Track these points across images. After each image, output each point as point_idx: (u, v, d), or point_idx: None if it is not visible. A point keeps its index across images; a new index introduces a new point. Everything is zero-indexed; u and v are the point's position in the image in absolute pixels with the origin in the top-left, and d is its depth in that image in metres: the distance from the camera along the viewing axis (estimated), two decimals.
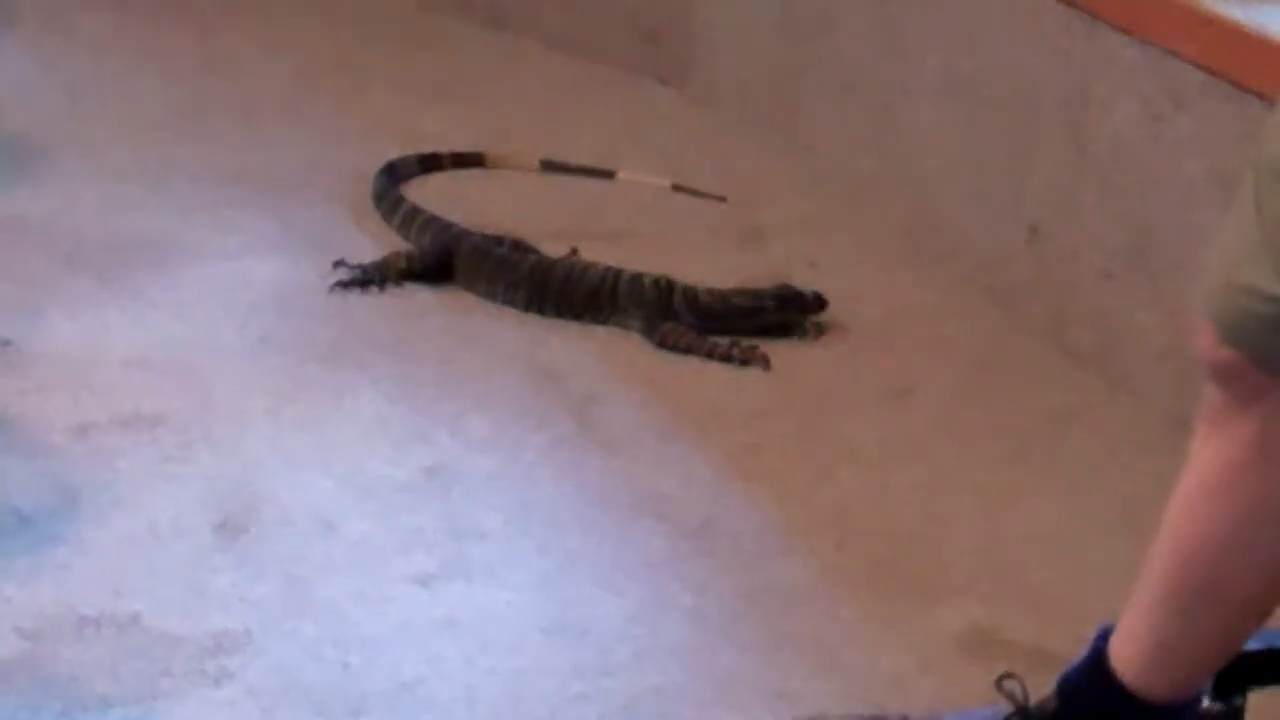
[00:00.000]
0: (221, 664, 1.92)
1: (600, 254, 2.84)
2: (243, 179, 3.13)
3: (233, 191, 3.08)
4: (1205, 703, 1.73)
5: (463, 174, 3.19)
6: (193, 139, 3.28)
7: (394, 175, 3.10)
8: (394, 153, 3.15)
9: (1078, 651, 1.70)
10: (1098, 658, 1.67)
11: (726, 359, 2.65)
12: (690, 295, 2.72)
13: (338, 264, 2.81)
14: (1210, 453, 1.59)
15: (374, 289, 2.78)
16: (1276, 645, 1.76)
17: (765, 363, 2.64)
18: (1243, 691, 1.76)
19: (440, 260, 2.83)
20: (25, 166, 3.13)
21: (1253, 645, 1.69)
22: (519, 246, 2.85)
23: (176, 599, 2.03)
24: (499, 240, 2.86)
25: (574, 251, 2.86)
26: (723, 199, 3.01)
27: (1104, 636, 1.68)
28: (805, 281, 2.76)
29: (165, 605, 2.01)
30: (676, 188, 3.02)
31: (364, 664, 1.94)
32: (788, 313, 2.72)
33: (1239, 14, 2.38)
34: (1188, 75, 2.43)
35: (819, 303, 2.71)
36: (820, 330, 2.73)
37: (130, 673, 1.90)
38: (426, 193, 3.07)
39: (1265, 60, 2.28)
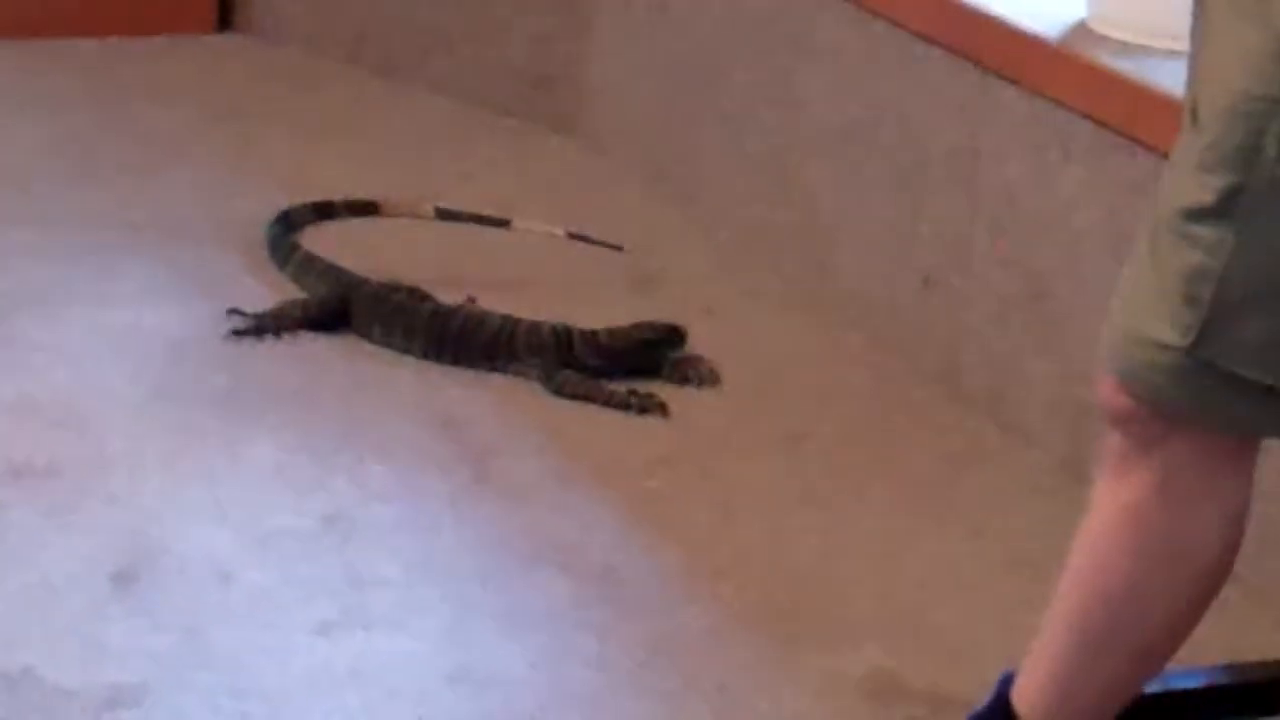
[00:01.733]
0: (117, 717, 1.89)
1: (497, 302, 2.84)
2: (133, 226, 3.08)
3: (122, 239, 3.04)
4: None
5: (358, 222, 3.17)
6: (81, 186, 3.23)
7: (288, 224, 3.08)
8: (286, 201, 3.12)
9: (978, 695, 1.72)
10: (1001, 703, 1.69)
11: (625, 406, 2.65)
12: (589, 338, 2.73)
13: (232, 312, 2.79)
14: (1111, 499, 1.62)
15: (269, 337, 2.76)
16: (1173, 686, 1.80)
17: (663, 410, 2.65)
18: None
19: (336, 308, 2.81)
20: None
21: (1151, 687, 1.72)
22: (415, 294, 2.85)
23: (71, 652, 2.00)
24: (395, 288, 2.85)
25: (471, 300, 2.86)
26: (619, 248, 3.02)
27: (1007, 682, 1.69)
28: (701, 329, 2.77)
29: (59, 659, 1.98)
30: (572, 236, 3.03)
31: (264, 715, 1.92)
32: (677, 347, 2.74)
33: (1126, 66, 2.43)
34: (1077, 126, 2.48)
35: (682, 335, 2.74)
36: (716, 378, 2.75)
37: None
38: (321, 241, 3.05)
39: (1152, 111, 2.33)
